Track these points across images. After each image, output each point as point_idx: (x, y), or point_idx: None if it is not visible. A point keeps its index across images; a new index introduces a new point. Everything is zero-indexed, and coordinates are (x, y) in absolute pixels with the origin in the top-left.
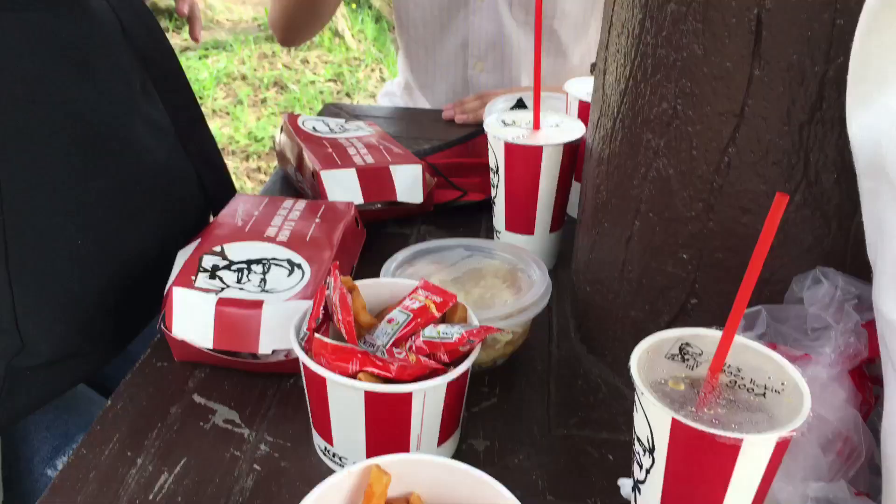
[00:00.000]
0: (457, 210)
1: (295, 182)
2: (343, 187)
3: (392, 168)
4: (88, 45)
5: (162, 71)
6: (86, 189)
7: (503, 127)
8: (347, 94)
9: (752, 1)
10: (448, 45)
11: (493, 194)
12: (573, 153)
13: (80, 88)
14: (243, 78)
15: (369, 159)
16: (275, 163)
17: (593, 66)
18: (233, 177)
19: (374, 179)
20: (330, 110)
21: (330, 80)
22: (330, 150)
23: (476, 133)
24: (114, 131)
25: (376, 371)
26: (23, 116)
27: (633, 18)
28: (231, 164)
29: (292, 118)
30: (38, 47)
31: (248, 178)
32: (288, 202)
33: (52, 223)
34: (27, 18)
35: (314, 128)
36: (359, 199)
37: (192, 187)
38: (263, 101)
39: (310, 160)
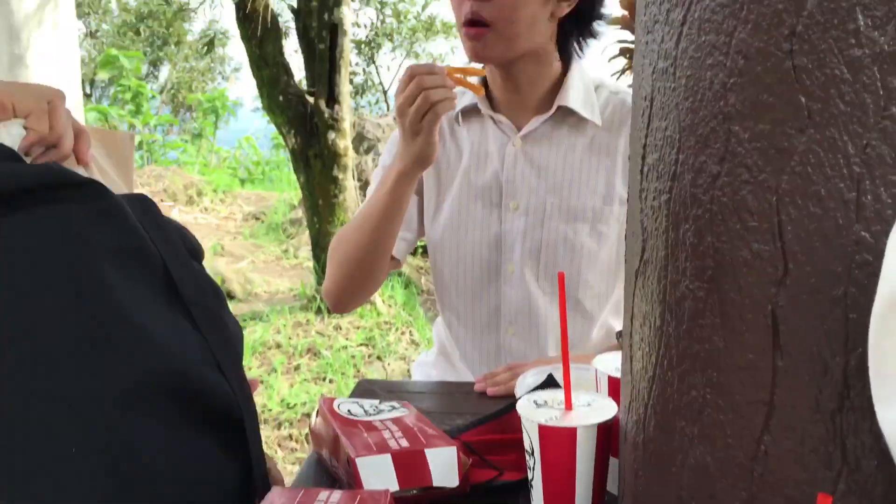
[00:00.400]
0: (494, 490)
1: (329, 467)
2: (378, 473)
3: (427, 451)
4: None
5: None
6: None
7: (535, 409)
8: (378, 358)
9: (766, 298)
10: (481, 312)
11: (529, 476)
12: (608, 432)
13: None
14: (278, 346)
15: (404, 443)
16: (306, 429)
17: (619, 335)
18: (264, 446)
19: (409, 464)
20: (363, 386)
21: (362, 345)
22: (365, 434)
23: (508, 408)
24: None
25: None
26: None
27: (654, 312)
28: (263, 433)
29: (328, 402)
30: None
31: (280, 446)
32: (323, 494)
33: None
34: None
35: (349, 411)
36: (394, 486)
37: (234, 482)
38: (297, 367)
39: (345, 445)
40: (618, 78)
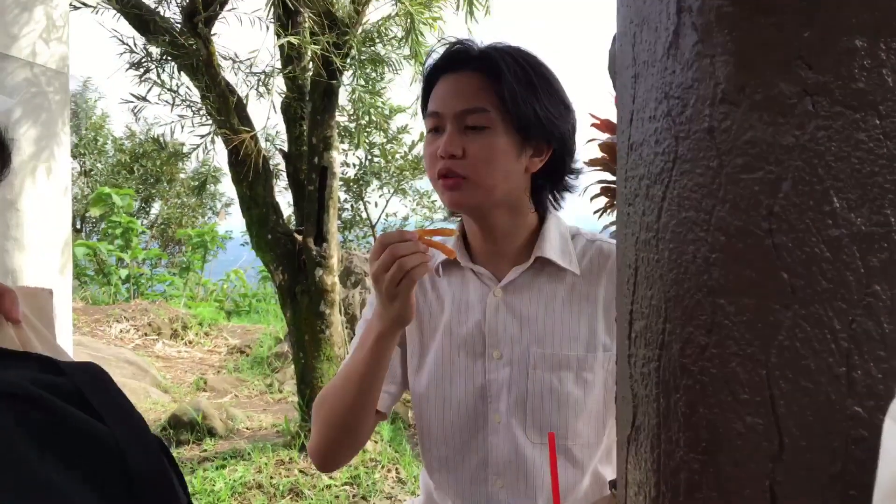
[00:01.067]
0: None
1: None
2: None
3: None
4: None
5: None
6: None
7: None
8: (364, 498)
9: (763, 473)
10: (469, 464)
11: None
12: None
13: None
14: (259, 486)
15: None
16: None
17: (612, 484)
18: None
19: None
20: None
21: (346, 484)
22: None
23: None
24: None
25: None
26: None
27: (648, 481)
28: None
29: None
30: None
31: None
32: None
33: None
34: None
35: None
36: None
37: None
38: None
39: None
40: (600, 216)
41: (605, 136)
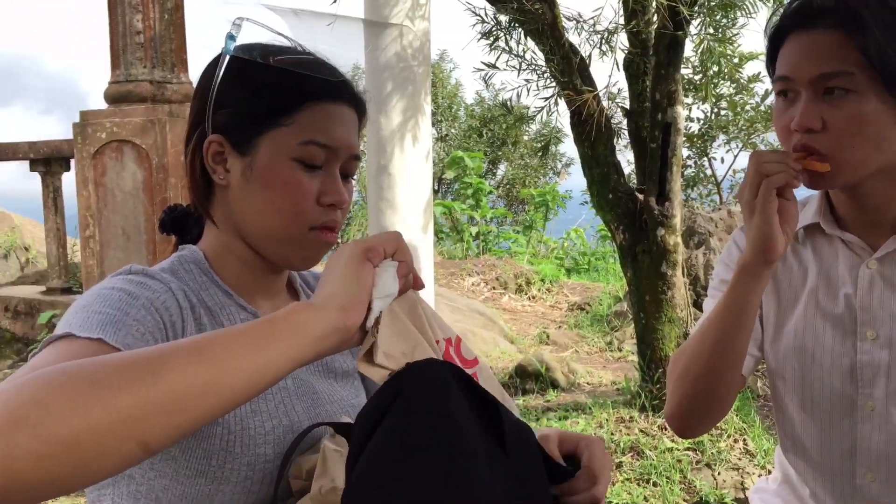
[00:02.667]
0: None
1: None
2: None
3: None
4: None
5: None
6: None
7: None
8: (708, 465)
9: None
10: (832, 451)
11: None
12: None
13: None
14: None
15: None
16: None
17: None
18: None
19: None
20: None
21: (689, 449)
22: None
23: None
24: None
25: None
26: None
27: None
28: None
29: None
30: None
31: None
32: None
33: None
34: None
35: None
36: None
37: None
38: (619, 465)
39: None
40: None
41: None
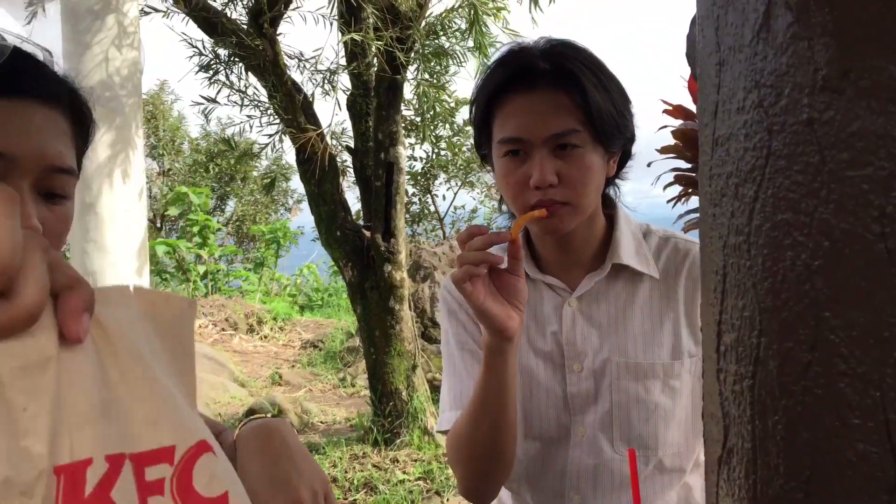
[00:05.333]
0: None
1: None
2: None
3: None
4: None
5: None
6: None
7: None
8: (437, 493)
9: None
10: (548, 477)
11: None
12: None
13: None
14: (334, 481)
15: None
16: None
17: None
18: None
19: None
20: None
21: (420, 479)
22: None
23: None
24: None
25: None
26: None
27: None
28: None
29: None
30: None
31: None
32: None
33: None
34: None
35: None
36: None
37: None
38: (353, 503)
39: None
40: (674, 206)
41: (677, 123)
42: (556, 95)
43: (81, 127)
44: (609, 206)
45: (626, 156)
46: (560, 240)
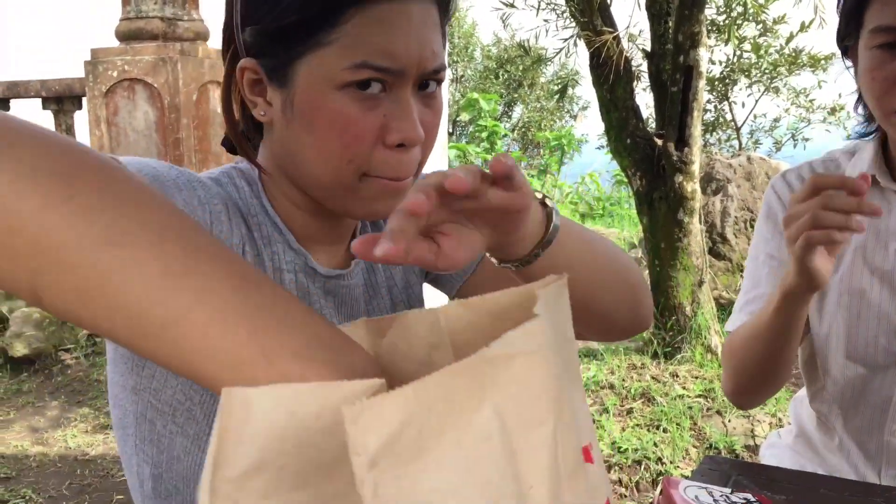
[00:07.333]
0: None
1: None
2: None
3: None
4: None
5: None
6: None
7: None
8: (718, 412)
9: None
10: (866, 404)
11: None
12: None
13: None
14: (611, 387)
15: None
16: (635, 476)
17: None
18: None
19: None
20: (710, 465)
21: (700, 396)
22: None
23: None
24: None
25: None
26: None
27: None
28: None
29: (671, 484)
30: None
31: None
32: None
33: None
34: None
35: (696, 497)
36: None
37: None
38: (629, 411)
39: None
40: None
41: None
42: None
43: (446, 11)
44: None
45: None
46: None
